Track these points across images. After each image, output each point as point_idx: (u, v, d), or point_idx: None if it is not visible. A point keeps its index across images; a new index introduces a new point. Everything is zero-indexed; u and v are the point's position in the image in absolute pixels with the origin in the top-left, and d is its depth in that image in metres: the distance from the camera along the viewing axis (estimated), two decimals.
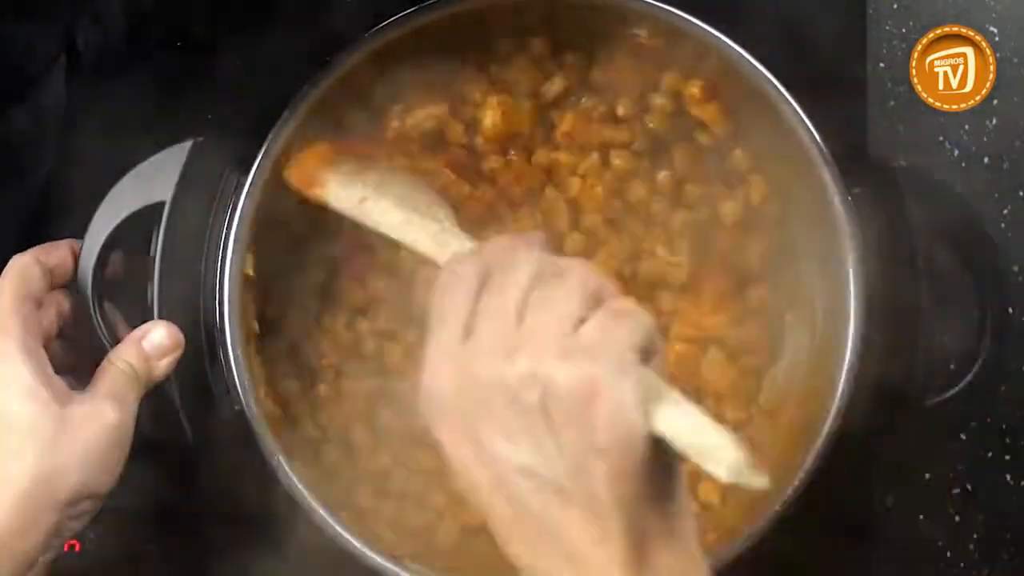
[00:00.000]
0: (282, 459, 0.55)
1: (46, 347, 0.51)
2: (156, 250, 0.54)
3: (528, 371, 0.40)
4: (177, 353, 0.53)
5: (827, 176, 0.56)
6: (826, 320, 0.58)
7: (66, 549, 0.52)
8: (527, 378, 0.40)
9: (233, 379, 0.55)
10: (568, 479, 0.39)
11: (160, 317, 0.54)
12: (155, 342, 0.53)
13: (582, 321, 0.41)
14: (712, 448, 0.39)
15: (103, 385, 0.51)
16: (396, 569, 0.54)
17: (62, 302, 0.54)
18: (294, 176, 0.56)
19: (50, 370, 0.50)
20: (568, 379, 0.39)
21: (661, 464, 0.40)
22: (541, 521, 0.40)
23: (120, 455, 0.51)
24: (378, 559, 0.54)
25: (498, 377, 0.40)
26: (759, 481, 0.38)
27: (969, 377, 0.55)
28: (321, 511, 0.54)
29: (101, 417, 0.49)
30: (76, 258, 0.54)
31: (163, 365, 0.53)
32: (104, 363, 0.52)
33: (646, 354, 0.41)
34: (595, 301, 0.42)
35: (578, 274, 0.42)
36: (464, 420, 0.41)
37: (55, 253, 0.53)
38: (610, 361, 0.39)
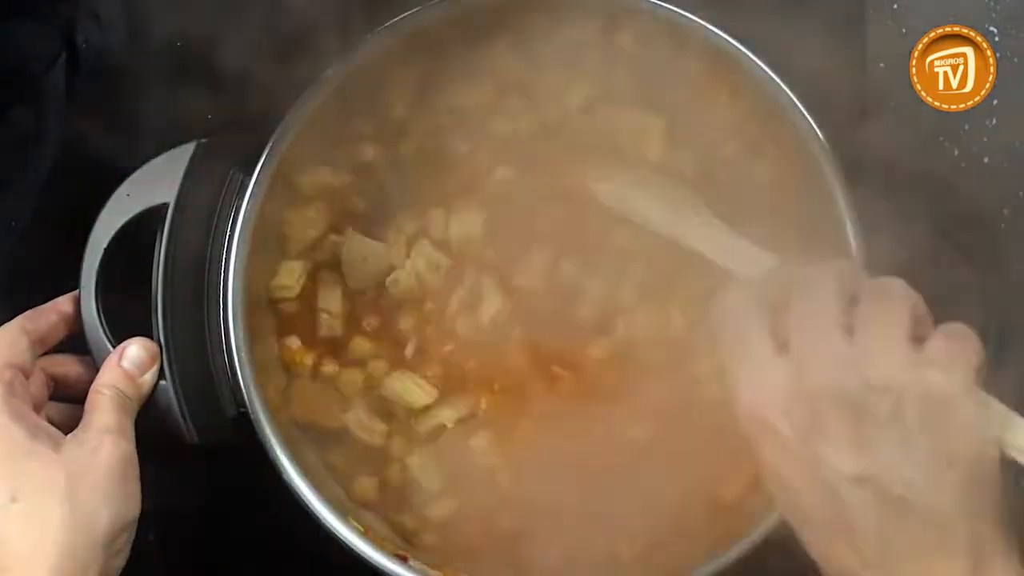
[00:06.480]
0: (284, 459, 0.55)
1: (39, 409, 0.52)
2: (160, 251, 0.54)
3: (881, 380, 0.41)
4: (157, 364, 0.53)
5: (831, 176, 0.56)
6: None
7: None
8: (880, 387, 0.41)
9: (237, 380, 0.55)
10: (912, 489, 0.40)
11: (164, 319, 0.54)
12: (133, 359, 0.53)
13: (916, 339, 0.42)
14: None
15: (97, 417, 0.51)
16: (397, 568, 0.54)
17: (57, 365, 0.54)
18: None
19: (43, 424, 0.50)
20: (927, 388, 0.41)
21: (1003, 483, 0.41)
22: (875, 529, 0.41)
23: (135, 478, 0.51)
24: (381, 558, 0.54)
25: (840, 387, 0.41)
26: None
27: None
28: (324, 510, 0.55)
29: (106, 451, 0.50)
30: (67, 319, 0.54)
31: (148, 379, 0.53)
32: (91, 395, 0.52)
33: (981, 377, 0.42)
34: (925, 321, 0.43)
35: (903, 294, 0.43)
36: (795, 431, 0.42)
37: (43, 319, 0.53)
38: (964, 376, 0.41)
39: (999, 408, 0.42)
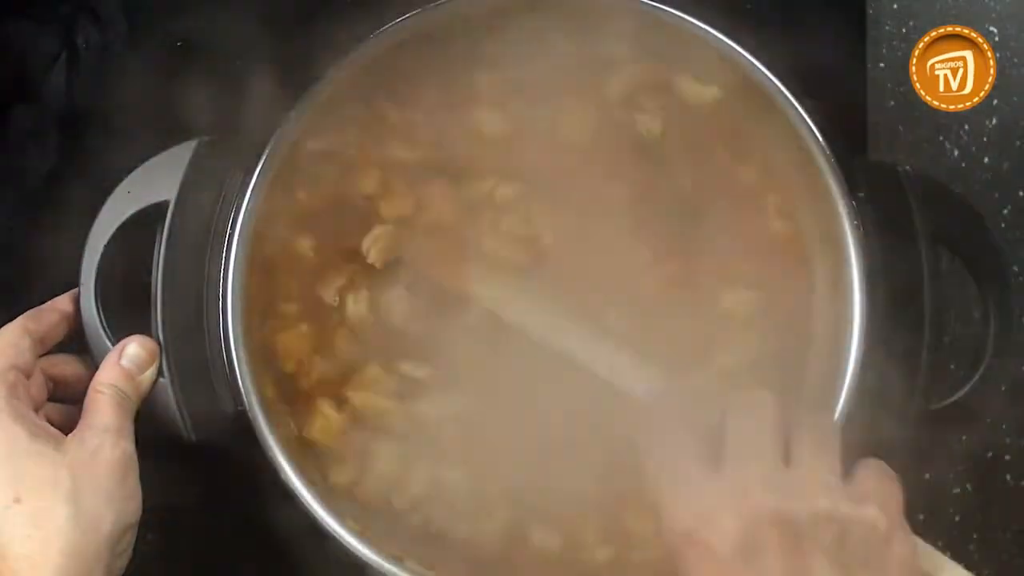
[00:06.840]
0: (282, 458, 0.55)
1: (38, 410, 0.52)
2: (160, 249, 0.54)
3: (827, 510, 0.42)
4: (156, 362, 0.53)
5: (831, 181, 0.56)
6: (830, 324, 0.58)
7: None
8: (824, 517, 0.42)
9: (236, 378, 0.55)
10: None
11: (163, 316, 0.54)
12: (133, 357, 0.53)
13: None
14: None
15: (96, 416, 0.51)
16: (394, 568, 0.54)
17: (56, 365, 0.54)
18: None
19: (44, 424, 0.50)
20: (870, 521, 0.43)
21: None
22: None
23: (135, 477, 0.51)
24: (378, 559, 0.54)
25: (784, 512, 0.42)
26: None
27: (973, 381, 0.55)
28: (322, 511, 0.55)
29: (107, 450, 0.49)
30: (67, 317, 0.54)
31: (147, 378, 0.53)
32: (90, 394, 0.52)
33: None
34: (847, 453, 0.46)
35: (835, 431, 0.46)
36: (732, 550, 0.42)
37: (44, 319, 0.53)
38: (898, 512, 0.44)
39: (926, 547, 0.46)
